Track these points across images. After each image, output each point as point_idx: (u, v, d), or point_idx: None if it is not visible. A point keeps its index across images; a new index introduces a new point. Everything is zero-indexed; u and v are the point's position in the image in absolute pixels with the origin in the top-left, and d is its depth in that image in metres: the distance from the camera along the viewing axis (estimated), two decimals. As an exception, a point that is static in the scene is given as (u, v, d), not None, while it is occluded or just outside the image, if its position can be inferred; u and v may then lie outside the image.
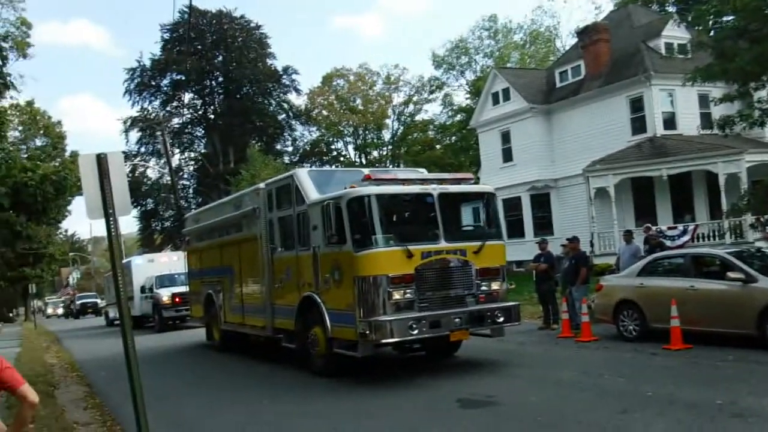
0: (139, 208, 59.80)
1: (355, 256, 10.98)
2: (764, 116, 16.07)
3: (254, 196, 14.64)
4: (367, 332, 10.72)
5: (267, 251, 14.07)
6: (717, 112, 21.34)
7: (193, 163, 63.71)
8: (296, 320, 12.86)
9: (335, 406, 10.00)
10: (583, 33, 33.60)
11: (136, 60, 66.68)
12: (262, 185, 14.55)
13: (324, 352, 12.07)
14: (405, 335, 10.83)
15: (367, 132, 64.50)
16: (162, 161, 57.96)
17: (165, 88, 60.91)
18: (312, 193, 12.50)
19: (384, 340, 10.76)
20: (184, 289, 26.35)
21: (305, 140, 65.96)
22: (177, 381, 13.70)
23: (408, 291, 11.02)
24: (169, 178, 53.41)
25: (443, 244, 11.47)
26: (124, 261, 35.12)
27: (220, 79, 61.96)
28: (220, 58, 60.92)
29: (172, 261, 30.02)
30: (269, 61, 61.76)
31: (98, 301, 55.64)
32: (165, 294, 26.99)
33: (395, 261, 11.01)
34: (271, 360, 14.92)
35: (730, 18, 15.31)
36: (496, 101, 36.73)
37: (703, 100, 26.69)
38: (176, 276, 28.40)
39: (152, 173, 61.71)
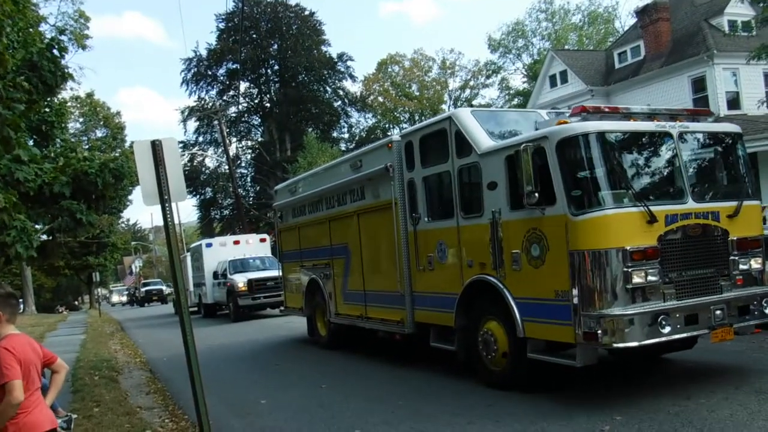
0: (198, 196, 60.58)
1: (572, 222, 7.50)
2: None
3: (383, 152, 11.22)
4: (597, 332, 7.25)
5: (405, 223, 10.68)
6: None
7: (250, 151, 63.48)
8: (457, 313, 9.47)
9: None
10: (642, 13, 33.09)
11: (192, 50, 67.37)
12: (395, 136, 11.11)
13: (507, 357, 8.65)
14: (654, 336, 7.34)
15: (423, 117, 64.45)
16: (220, 150, 58.42)
17: (221, 78, 61.24)
18: (484, 139, 9.03)
19: (623, 344, 7.24)
20: (261, 274, 23.84)
21: (361, 127, 65.50)
22: (293, 392, 10.37)
23: (651, 271, 7.51)
24: (227, 167, 53.54)
25: (691, 205, 7.94)
26: (194, 245, 32.40)
27: (276, 67, 61.74)
28: (276, 46, 60.69)
29: (246, 244, 27.13)
30: (324, 49, 61.73)
31: (164, 288, 53.73)
32: (240, 280, 24.05)
33: (632, 228, 7.52)
34: (408, 363, 11.55)
35: None
36: (553, 84, 36.78)
37: (769, 78, 25.80)
38: (251, 260, 25.74)
39: (210, 162, 61.97)
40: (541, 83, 38.24)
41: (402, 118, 66.16)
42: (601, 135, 7.68)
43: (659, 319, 7.32)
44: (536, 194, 7.73)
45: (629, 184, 7.68)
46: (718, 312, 7.75)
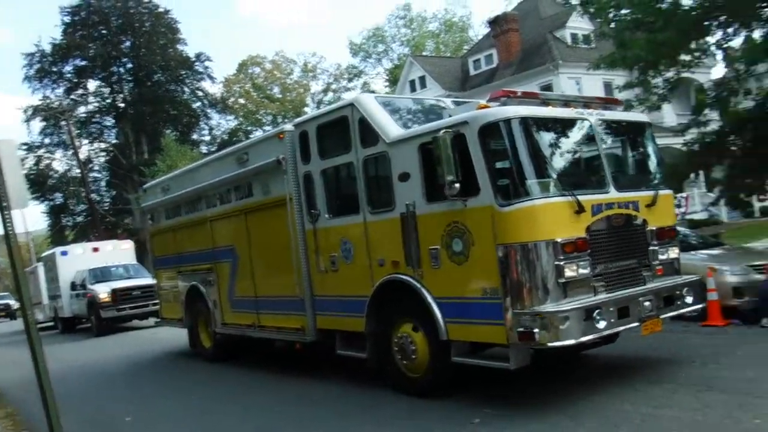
0: (46, 203, 56.35)
1: (499, 214, 6.93)
2: (660, 101, 16.80)
3: (274, 143, 10.22)
4: (534, 330, 6.70)
5: (302, 220, 9.77)
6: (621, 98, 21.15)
7: (104, 154, 60.02)
8: (368, 317, 8.69)
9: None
10: (494, 23, 35.35)
11: (34, 44, 60.96)
12: (288, 126, 10.14)
13: (427, 361, 7.99)
14: (590, 331, 6.92)
15: (286, 120, 63.88)
16: (69, 153, 53.90)
17: (68, 75, 57.21)
18: (392, 127, 8.30)
19: (559, 342, 6.74)
20: (126, 283, 22.19)
21: (222, 129, 64.01)
22: (163, 406, 9.24)
23: (582, 263, 7.09)
24: (78, 171, 51.01)
25: (614, 194, 7.61)
26: (47, 253, 29.63)
27: (129, 65, 58.66)
28: (128, 43, 57.68)
29: (107, 252, 25.03)
30: (180, 48, 59.43)
31: (11, 302, 48.85)
32: (103, 290, 22.07)
33: (561, 219, 7.06)
34: (308, 374, 10.66)
35: (628, 11, 15.85)
36: (413, 89, 39.22)
37: (608, 87, 29.35)
38: (113, 269, 23.81)
39: (59, 166, 57.44)
40: (402, 88, 40.23)
41: (265, 121, 65.70)
42: (524, 121, 7.16)
43: (594, 314, 6.89)
44: (457, 185, 7.08)
45: (555, 172, 7.19)
46: (646, 303, 7.47)
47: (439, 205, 7.61)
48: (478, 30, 61.43)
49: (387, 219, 8.31)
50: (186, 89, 60.27)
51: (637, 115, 8.61)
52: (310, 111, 62.49)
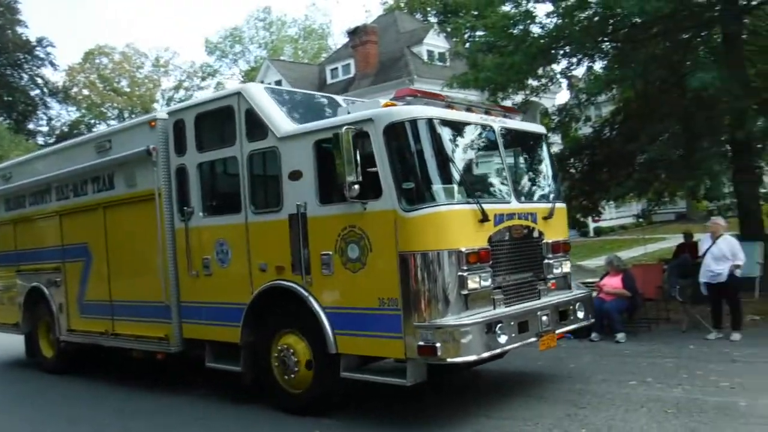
0: None
1: (403, 219, 6.47)
2: None
3: (143, 131, 9.19)
4: (436, 344, 6.27)
5: (172, 218, 8.85)
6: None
7: None
8: (245, 327, 7.93)
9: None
10: (353, 33, 35.30)
11: None
12: (162, 114, 9.16)
13: (312, 376, 7.38)
14: (492, 346, 6.59)
15: (133, 115, 60.80)
16: None
17: None
18: (283, 121, 7.64)
19: (461, 357, 6.37)
20: None
21: (63, 120, 60.09)
22: None
23: (484, 275, 6.76)
24: None
25: (515, 205, 7.39)
26: None
27: None
28: None
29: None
30: (20, 30, 54.38)
31: None
32: None
33: (466, 227, 6.72)
34: (168, 387, 9.69)
35: (482, 33, 16.39)
36: None
37: (462, 106, 30.51)
38: None
39: None
40: (257, 91, 39.72)
41: (110, 114, 62.53)
42: (432, 122, 6.76)
43: (496, 328, 6.56)
44: (357, 186, 6.53)
45: (460, 178, 6.81)
46: (544, 318, 7.27)
47: (334, 208, 7.05)
48: (338, 39, 61.90)
49: (273, 220, 7.62)
50: (24, 75, 55.81)
51: (535, 126, 8.47)
52: (159, 107, 60.06)
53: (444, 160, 6.73)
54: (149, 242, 9.10)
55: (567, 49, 14.59)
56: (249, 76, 57.75)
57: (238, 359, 8.19)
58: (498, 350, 6.64)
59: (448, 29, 28.34)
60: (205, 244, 8.46)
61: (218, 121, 8.29)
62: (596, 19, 13.66)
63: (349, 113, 7.32)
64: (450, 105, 7.32)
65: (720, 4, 13.55)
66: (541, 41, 14.18)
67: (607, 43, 15.10)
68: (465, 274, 6.53)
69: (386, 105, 6.83)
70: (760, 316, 11.94)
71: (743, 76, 12.80)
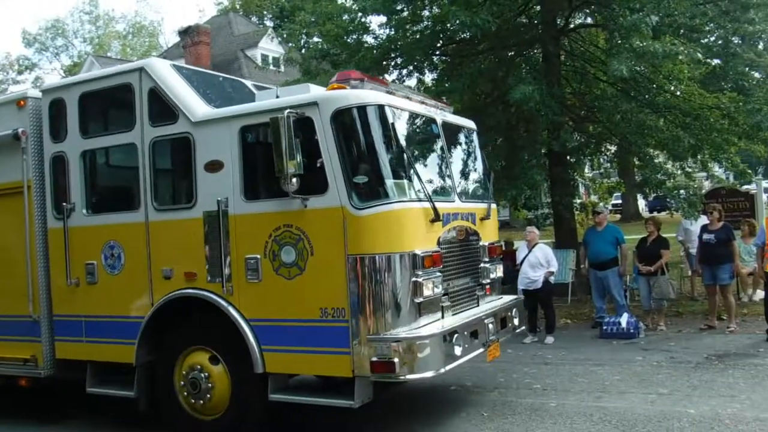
0: None
1: (354, 218, 5.67)
2: None
3: (8, 112, 7.67)
4: (393, 360, 5.52)
5: (44, 216, 7.45)
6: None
7: None
8: (141, 344, 6.72)
9: None
10: (185, 33, 34.32)
11: None
12: (34, 92, 7.68)
13: (228, 400, 6.36)
14: (450, 360, 5.94)
15: None
16: None
17: None
18: (197, 103, 6.57)
19: (421, 374, 5.66)
20: None
21: None
22: None
23: (436, 280, 6.11)
24: None
25: (458, 204, 6.83)
26: None
27: None
28: None
29: None
30: None
31: None
32: None
33: (419, 227, 6.02)
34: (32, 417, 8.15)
35: (318, 40, 16.72)
36: None
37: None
38: None
39: None
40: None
41: None
42: (383, 109, 6.00)
43: (453, 339, 5.92)
44: (296, 179, 5.65)
45: (412, 173, 6.10)
46: (490, 326, 6.71)
47: (264, 204, 6.13)
48: (169, 38, 59.66)
49: (183, 219, 6.52)
50: None
51: (467, 120, 7.92)
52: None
53: (397, 153, 6.01)
54: (10, 244, 7.61)
55: (399, 60, 14.86)
56: (72, 71, 54.43)
57: (128, 383, 6.97)
58: (455, 364, 5.98)
59: (284, 34, 28.66)
60: (89, 247, 7.14)
61: (111, 101, 7.11)
62: (427, 32, 14.10)
63: (278, 97, 6.40)
64: (391, 92, 6.59)
65: (541, 25, 14.39)
66: (374, 52, 14.35)
67: (437, 57, 15.61)
68: (420, 279, 5.83)
69: (332, 88, 5.98)
70: (571, 319, 12.51)
71: (560, 93, 13.42)
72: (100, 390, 7.21)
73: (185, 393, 6.59)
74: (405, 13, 14.28)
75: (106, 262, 7.02)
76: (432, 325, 5.91)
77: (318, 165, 5.75)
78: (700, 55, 12.28)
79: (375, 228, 5.66)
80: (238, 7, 46.54)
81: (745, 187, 17.28)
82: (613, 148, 16.95)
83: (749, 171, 18.74)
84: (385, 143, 5.91)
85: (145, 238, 6.73)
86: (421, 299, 5.86)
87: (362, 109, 5.82)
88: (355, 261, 5.65)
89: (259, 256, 6.08)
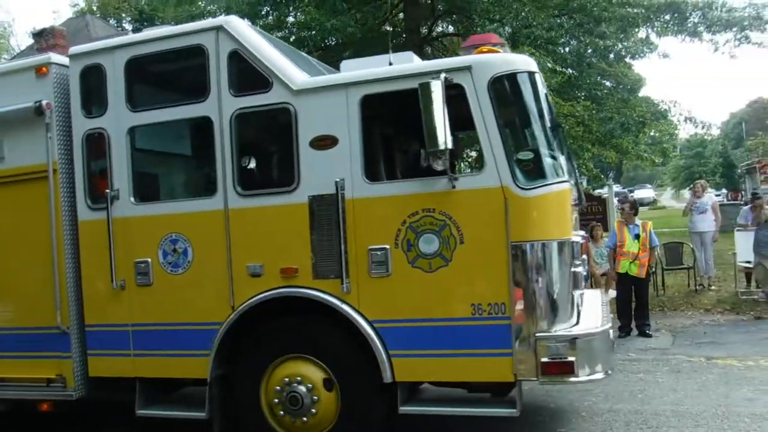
0: None
1: (519, 199, 4.95)
2: None
3: (27, 81, 6.26)
4: (570, 359, 4.86)
5: (71, 205, 6.18)
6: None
7: None
8: (217, 356, 5.66)
9: None
10: (39, 35, 31.41)
11: None
12: (58, 57, 6.34)
13: (333, 416, 5.45)
14: (612, 360, 5.32)
15: None
16: None
17: None
18: (294, 70, 5.61)
19: (594, 375, 5.04)
20: None
21: None
22: None
23: (584, 271, 5.50)
24: None
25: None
26: None
27: None
28: None
29: None
30: None
31: None
32: None
33: (566, 211, 5.39)
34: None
35: None
36: None
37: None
38: None
39: None
40: None
41: None
42: (534, 77, 5.33)
43: (612, 337, 5.33)
44: (444, 156, 4.87)
45: (559, 148, 5.46)
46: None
47: (394, 186, 5.31)
48: (21, 40, 56.04)
49: (279, 205, 5.53)
50: None
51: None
52: None
53: (551, 126, 5.34)
54: (30, 242, 6.27)
55: None
56: None
57: (183, 402, 5.90)
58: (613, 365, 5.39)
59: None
60: (139, 242, 5.96)
61: (172, 67, 5.97)
62: (292, 39, 13.97)
63: (390, 64, 5.55)
64: None
65: (405, 33, 14.69)
66: None
67: None
68: (578, 269, 5.20)
69: (481, 51, 5.20)
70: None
71: None
72: (155, 411, 6.05)
73: (279, 410, 5.61)
74: (270, 18, 14.29)
75: (165, 259, 5.86)
76: (590, 320, 5.28)
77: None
78: (550, 65, 12.44)
79: (544, 211, 4.99)
80: (95, 9, 44.12)
81: (598, 191, 18.14)
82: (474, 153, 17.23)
83: (602, 176, 19.98)
84: (540, 114, 5.24)
85: (223, 229, 5.65)
86: (577, 292, 5.22)
87: (522, 75, 5.15)
88: (520, 249, 4.93)
89: (388, 247, 5.21)
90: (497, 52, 5.19)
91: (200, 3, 16.34)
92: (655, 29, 17.46)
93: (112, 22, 41.94)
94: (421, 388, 5.73)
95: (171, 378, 6.11)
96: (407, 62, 5.65)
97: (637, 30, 17.10)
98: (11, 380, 6.42)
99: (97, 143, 6.05)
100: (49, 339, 6.21)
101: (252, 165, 5.84)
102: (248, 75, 5.55)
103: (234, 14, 12.92)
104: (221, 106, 5.61)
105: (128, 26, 41.64)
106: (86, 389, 6.24)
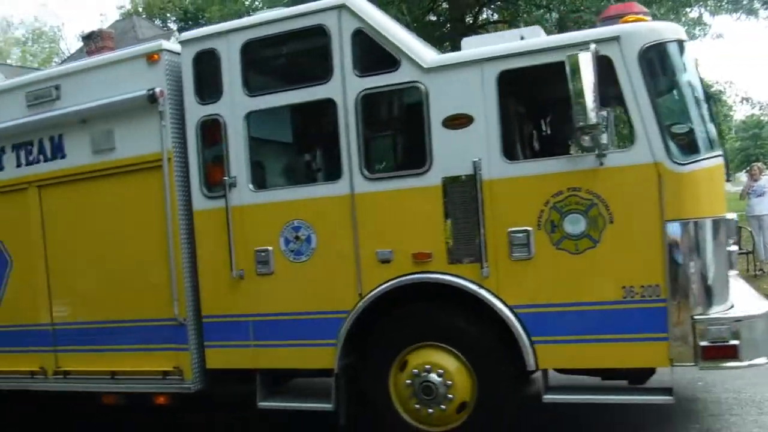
0: None
1: (676, 175, 4.69)
2: None
3: (134, 69, 6.15)
4: (733, 343, 4.61)
5: (186, 194, 6.07)
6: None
7: None
8: (346, 344, 5.50)
9: None
10: (88, 38, 31.97)
11: None
12: (169, 44, 6.24)
13: (474, 408, 5.23)
14: (768, 345, 5.04)
15: None
16: None
17: None
18: (421, 47, 5.44)
19: (758, 359, 4.77)
20: None
21: None
22: None
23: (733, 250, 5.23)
24: None
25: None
26: None
27: None
28: None
29: None
30: None
31: None
32: None
33: (720, 187, 5.13)
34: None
35: None
36: None
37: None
38: None
39: None
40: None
41: None
42: (684, 45, 5.07)
43: (767, 321, 5.05)
44: (594, 132, 4.63)
45: (711, 122, 5.20)
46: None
47: (535, 165, 5.10)
48: (71, 43, 57.15)
49: (409, 188, 5.34)
50: None
51: None
52: None
53: (702, 97, 5.08)
54: (144, 232, 6.17)
55: None
56: None
57: (302, 393, 5.76)
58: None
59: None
60: (259, 230, 5.82)
61: (291, 49, 5.82)
62: None
63: (522, 38, 5.33)
64: None
65: (449, 23, 14.53)
66: None
67: None
68: (733, 249, 4.94)
69: (627, 21, 4.96)
70: None
71: None
72: (278, 403, 5.92)
73: (410, 399, 5.42)
74: None
75: (287, 246, 5.71)
76: (746, 303, 5.02)
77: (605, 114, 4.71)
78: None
79: (700, 187, 4.75)
80: (141, 10, 44.73)
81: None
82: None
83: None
84: (691, 85, 4.99)
85: (349, 214, 5.48)
86: (733, 272, 4.96)
87: (672, 45, 4.90)
88: (677, 227, 4.68)
89: (530, 229, 4.99)
90: (644, 20, 4.94)
91: (245, 1, 16.28)
92: (708, 8, 17.04)
93: (157, 22, 42.33)
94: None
95: (289, 369, 5.97)
96: (536, 37, 5.42)
97: (689, 10, 16.74)
98: (127, 373, 6.34)
99: (211, 130, 5.92)
100: (166, 331, 6.12)
101: (379, 147, 5.64)
102: (374, 54, 5.38)
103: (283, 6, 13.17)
104: (345, 87, 5.44)
105: (173, 26, 42.13)
106: (203, 382, 6.12)
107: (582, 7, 12.84)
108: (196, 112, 5.95)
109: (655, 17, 15.93)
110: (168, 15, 44.69)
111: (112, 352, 6.41)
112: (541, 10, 12.50)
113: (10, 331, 6.95)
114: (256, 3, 15.87)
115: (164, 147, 5.99)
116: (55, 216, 6.63)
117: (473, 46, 5.47)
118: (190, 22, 37.13)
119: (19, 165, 6.78)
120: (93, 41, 31.27)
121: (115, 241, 6.35)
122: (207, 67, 5.92)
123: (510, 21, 14.27)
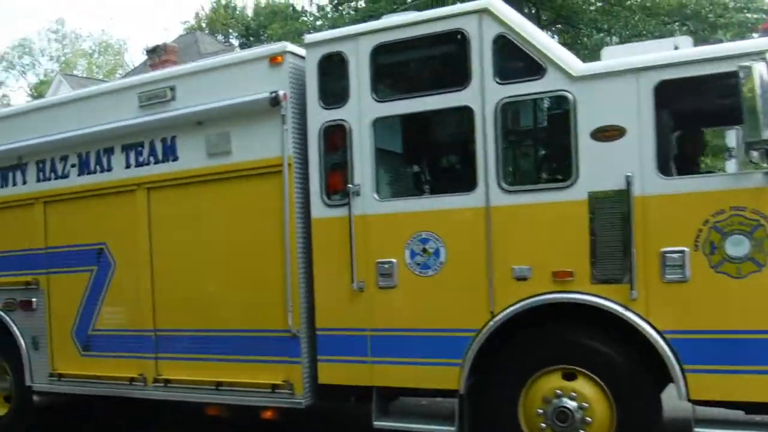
0: None
1: None
2: None
3: (255, 73, 6.02)
4: None
5: (305, 202, 5.87)
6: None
7: None
8: (474, 365, 5.22)
9: None
10: (152, 52, 32.78)
11: None
12: (292, 46, 6.07)
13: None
14: None
15: None
16: None
17: None
18: (567, 54, 5.17)
19: None
20: None
21: None
22: None
23: None
24: None
25: None
26: None
27: None
28: None
29: None
30: None
31: None
32: None
33: None
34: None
35: None
36: None
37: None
38: None
39: None
40: (49, 106, 36.56)
41: None
42: None
43: None
44: (764, 146, 4.33)
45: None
46: None
47: (695, 182, 4.77)
48: (135, 56, 58.40)
49: (552, 202, 5.07)
50: None
51: None
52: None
53: None
54: (260, 239, 5.98)
55: None
56: (38, 90, 53.64)
57: (418, 413, 5.48)
58: None
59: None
60: (383, 241, 5.58)
61: (429, 54, 5.61)
62: None
63: (676, 47, 5.06)
64: None
65: None
66: None
67: None
68: None
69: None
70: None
71: None
72: (396, 423, 5.64)
73: (542, 425, 5.11)
74: None
75: (413, 259, 5.47)
76: None
77: None
78: None
79: None
80: (204, 25, 45.62)
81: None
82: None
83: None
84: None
85: (484, 227, 5.22)
86: None
87: None
88: None
89: (686, 249, 4.68)
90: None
91: (304, 19, 16.33)
92: None
93: (219, 38, 43.06)
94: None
95: (407, 388, 5.71)
96: (687, 47, 5.15)
97: (757, 35, 16.36)
98: (232, 384, 6.13)
99: (335, 136, 5.72)
100: (276, 342, 5.91)
101: (519, 158, 5.39)
102: (517, 61, 5.15)
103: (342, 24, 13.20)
104: (484, 94, 5.20)
105: (235, 41, 42.75)
106: (314, 397, 5.89)
107: (644, 32, 12.57)
108: (319, 116, 5.77)
109: (721, 42, 15.65)
110: (230, 30, 45.58)
111: (218, 361, 6.21)
112: (602, 34, 12.24)
113: (111, 336, 6.79)
114: (319, 22, 15.85)
115: (285, 152, 5.81)
116: (163, 219, 6.49)
117: (618, 56, 5.21)
118: (251, 38, 37.90)
119: (128, 166, 6.65)
120: (157, 54, 31.95)
121: (226, 247, 6.18)
122: (333, 70, 5.74)
123: (571, 44, 14.03)
